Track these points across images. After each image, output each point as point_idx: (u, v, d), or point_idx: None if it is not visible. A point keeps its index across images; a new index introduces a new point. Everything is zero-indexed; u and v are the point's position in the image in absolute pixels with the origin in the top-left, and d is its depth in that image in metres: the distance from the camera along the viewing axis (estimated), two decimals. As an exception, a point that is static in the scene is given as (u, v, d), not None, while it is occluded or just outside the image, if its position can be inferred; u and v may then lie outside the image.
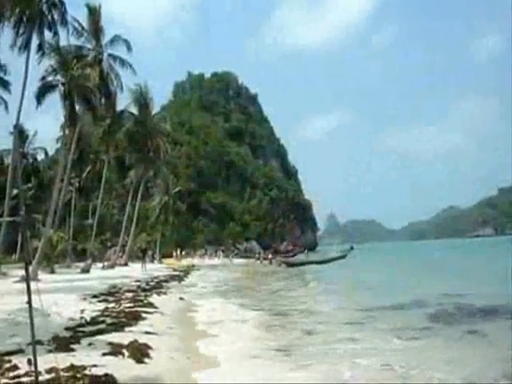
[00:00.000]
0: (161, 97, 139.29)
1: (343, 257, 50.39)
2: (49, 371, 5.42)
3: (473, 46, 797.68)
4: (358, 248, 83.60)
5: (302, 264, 49.26)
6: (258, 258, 64.36)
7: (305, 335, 9.73)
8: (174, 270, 37.19)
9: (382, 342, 8.71)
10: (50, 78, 27.00)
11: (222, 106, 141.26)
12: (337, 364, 7.15)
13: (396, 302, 13.84)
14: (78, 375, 5.46)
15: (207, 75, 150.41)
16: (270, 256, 60.02)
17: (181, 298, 16.31)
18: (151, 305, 13.09)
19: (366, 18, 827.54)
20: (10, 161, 29.93)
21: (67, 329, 8.81)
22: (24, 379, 5.24)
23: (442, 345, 8.40)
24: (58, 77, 27.05)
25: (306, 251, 78.15)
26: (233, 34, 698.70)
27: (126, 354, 6.80)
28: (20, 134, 42.71)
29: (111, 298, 14.36)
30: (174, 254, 60.13)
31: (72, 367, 5.72)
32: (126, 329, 9.11)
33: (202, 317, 12.35)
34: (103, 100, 31.81)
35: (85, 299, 13.67)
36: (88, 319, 10.16)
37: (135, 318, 10.50)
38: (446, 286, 17.66)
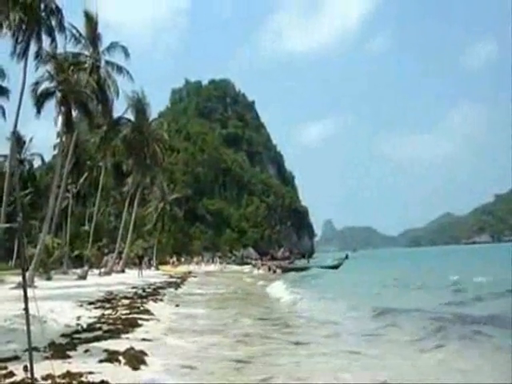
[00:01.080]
0: (157, 104, 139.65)
1: (338, 266, 50.09)
2: (45, 378, 5.43)
3: (469, 53, 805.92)
4: (354, 256, 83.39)
5: (298, 269, 49.37)
6: (255, 265, 63.99)
7: (289, 346, 8.67)
8: (171, 276, 37.13)
9: (392, 355, 7.69)
10: (46, 85, 27.05)
11: (219, 113, 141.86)
12: (308, 379, 6.18)
13: (403, 311, 13.12)
14: (75, 382, 5.47)
15: (204, 82, 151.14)
16: (268, 263, 59.63)
17: (177, 305, 16.30)
18: (148, 312, 13.07)
19: (362, 23, 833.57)
20: (7, 167, 29.89)
21: (63, 335, 8.80)
22: (20, 386, 5.25)
23: (454, 355, 7.60)
24: (55, 83, 27.10)
25: (306, 257, 78.48)
26: (228, 40, 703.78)
27: (123, 361, 6.80)
28: (17, 141, 42.68)
29: (108, 305, 14.33)
30: (171, 260, 60.03)
31: (68, 374, 5.73)
32: (123, 336, 9.10)
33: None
34: (100, 107, 31.87)
35: (81, 306, 13.63)
36: (84, 326, 10.15)
37: (132, 324, 10.48)
38: (445, 295, 17.60)
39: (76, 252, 45.15)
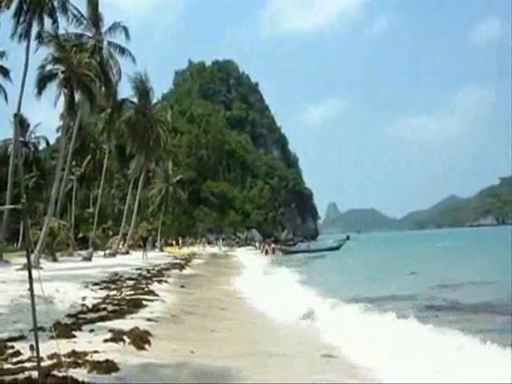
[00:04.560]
0: (160, 86, 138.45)
1: (339, 247, 50.88)
2: (51, 357, 5.50)
3: (473, 33, 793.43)
4: (356, 238, 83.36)
5: (299, 252, 50.24)
6: (259, 247, 64.21)
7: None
8: (175, 258, 37.37)
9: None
10: (49, 67, 26.88)
11: (222, 95, 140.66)
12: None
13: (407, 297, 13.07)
14: (80, 361, 5.54)
15: (208, 63, 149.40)
16: (273, 246, 59.94)
17: (182, 286, 16.45)
18: (152, 293, 13.19)
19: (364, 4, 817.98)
20: (12, 150, 29.96)
21: (69, 316, 8.91)
22: (26, 364, 5.32)
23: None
24: (58, 65, 26.91)
25: (308, 239, 79.30)
26: (225, 21, 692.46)
27: (127, 340, 6.89)
28: (21, 123, 42.65)
29: (112, 286, 14.46)
30: (175, 242, 60.39)
31: (73, 353, 5.81)
32: (127, 316, 9.22)
33: (177, 305, 11.61)
34: (103, 88, 31.65)
35: (86, 287, 13.77)
36: (89, 306, 10.28)
37: (136, 305, 10.60)
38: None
39: (81, 234, 45.48)
